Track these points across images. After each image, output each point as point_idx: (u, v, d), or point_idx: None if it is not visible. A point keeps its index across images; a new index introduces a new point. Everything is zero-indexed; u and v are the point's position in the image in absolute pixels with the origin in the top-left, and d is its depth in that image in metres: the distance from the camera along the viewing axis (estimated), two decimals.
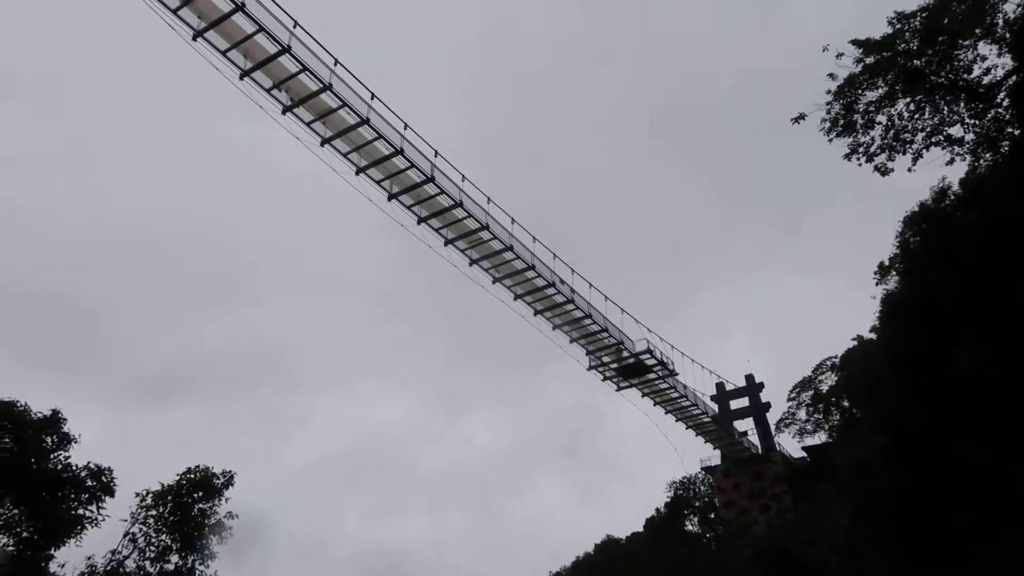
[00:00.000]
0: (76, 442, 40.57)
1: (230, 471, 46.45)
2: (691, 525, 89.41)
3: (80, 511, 39.46)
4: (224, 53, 36.46)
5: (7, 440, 37.81)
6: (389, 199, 45.57)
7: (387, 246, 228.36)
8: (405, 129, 42.52)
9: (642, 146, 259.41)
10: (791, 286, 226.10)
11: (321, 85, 37.92)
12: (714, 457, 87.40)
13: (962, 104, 30.27)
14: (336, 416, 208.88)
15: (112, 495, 40.22)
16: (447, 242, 49.81)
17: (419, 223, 47.66)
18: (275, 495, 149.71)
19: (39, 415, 39.76)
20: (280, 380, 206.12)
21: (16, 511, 37.75)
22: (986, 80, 29.69)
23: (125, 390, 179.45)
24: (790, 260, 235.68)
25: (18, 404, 39.35)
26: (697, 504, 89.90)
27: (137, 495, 42.59)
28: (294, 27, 36.60)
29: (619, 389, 67.91)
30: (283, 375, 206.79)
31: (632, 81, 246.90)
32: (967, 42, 29.17)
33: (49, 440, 39.66)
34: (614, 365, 65.27)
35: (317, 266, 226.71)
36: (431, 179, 44.35)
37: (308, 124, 40.27)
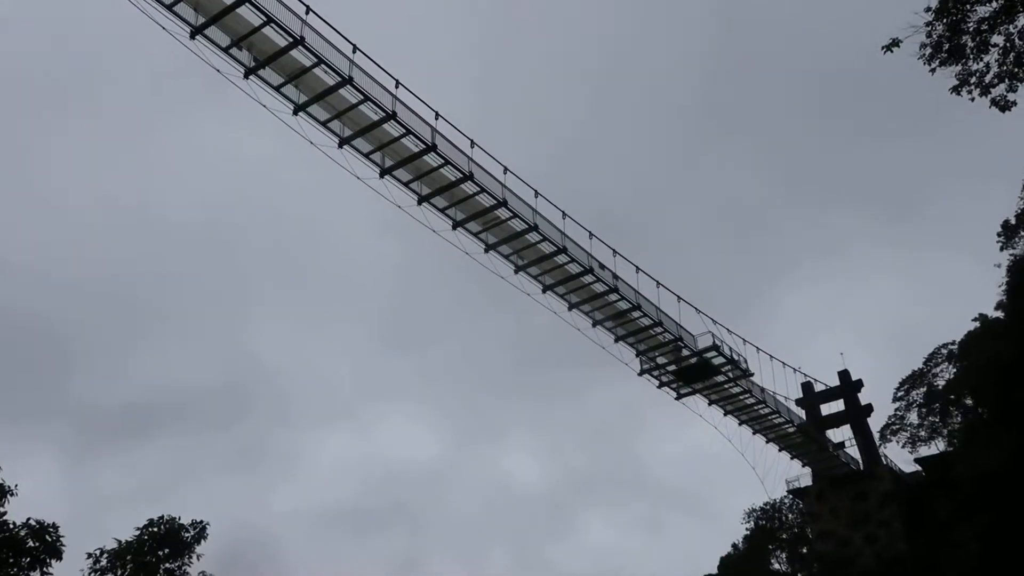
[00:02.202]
0: (12, 494, 40.80)
1: (202, 522, 47.54)
2: (778, 563, 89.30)
3: None
4: (226, 50, 39.12)
5: None
6: (382, 175, 46.48)
7: (388, 247, 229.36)
8: (398, 87, 43.58)
9: (701, 113, 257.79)
10: (892, 265, 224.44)
11: (340, 78, 40.40)
12: (803, 477, 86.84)
13: None
14: (341, 453, 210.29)
15: (59, 557, 40.25)
16: (456, 224, 50.28)
17: (419, 202, 48.46)
18: (265, 549, 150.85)
19: None
20: (270, 411, 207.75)
21: None
22: None
23: (80, 427, 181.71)
24: (890, 235, 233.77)
25: None
26: (784, 536, 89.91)
27: (89, 555, 43.24)
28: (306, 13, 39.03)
29: (679, 397, 67.76)
30: (274, 405, 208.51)
31: (683, 39, 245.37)
32: None
33: None
34: (672, 367, 65.29)
35: (311, 277, 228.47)
36: (467, 175, 45.53)
37: (324, 124, 43.10)
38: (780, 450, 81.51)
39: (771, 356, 74.57)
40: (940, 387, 74.02)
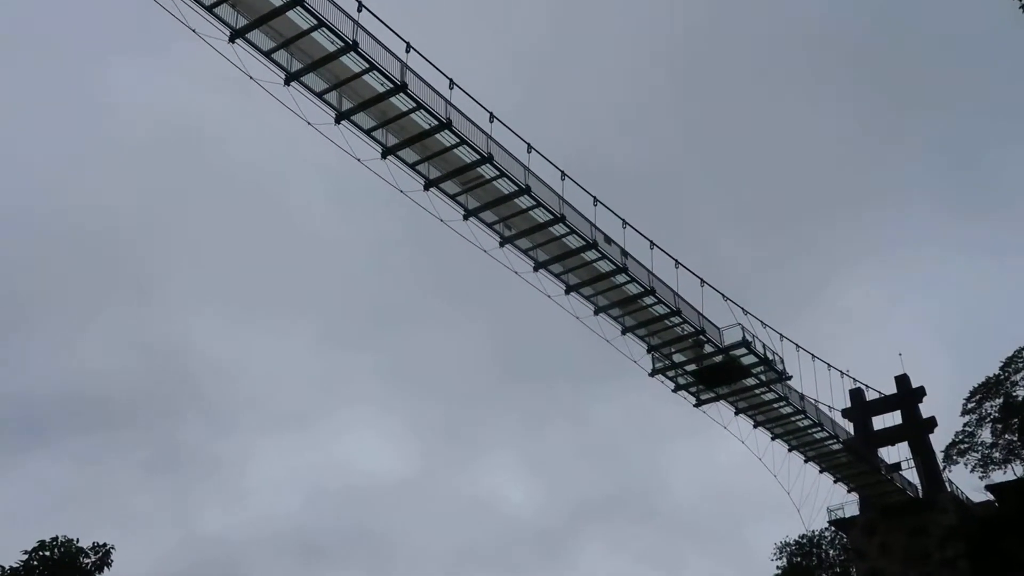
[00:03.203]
0: None
1: (105, 545, 47.28)
2: None
3: None
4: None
5: None
6: (337, 120, 44.83)
7: (354, 226, 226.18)
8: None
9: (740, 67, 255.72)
10: (967, 264, 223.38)
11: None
12: (849, 505, 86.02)
13: None
14: (288, 465, 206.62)
15: None
16: (429, 184, 48.24)
17: (384, 155, 46.94)
18: None
19: None
20: (202, 414, 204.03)
21: None
22: None
23: None
24: (966, 231, 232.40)
25: None
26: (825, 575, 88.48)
27: None
28: None
29: (699, 403, 66.66)
30: (207, 407, 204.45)
31: None
32: None
33: None
34: (692, 367, 63.96)
35: (260, 258, 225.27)
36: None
37: (320, 95, 43.87)
38: (821, 471, 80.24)
39: (814, 356, 73.65)
40: (1020, 398, 72.39)
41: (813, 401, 73.18)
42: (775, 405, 69.38)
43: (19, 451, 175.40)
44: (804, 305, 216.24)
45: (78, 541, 46.35)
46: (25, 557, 45.15)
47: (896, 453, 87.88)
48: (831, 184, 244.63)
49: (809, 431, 73.92)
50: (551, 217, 50.94)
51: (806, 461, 77.84)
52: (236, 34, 40.62)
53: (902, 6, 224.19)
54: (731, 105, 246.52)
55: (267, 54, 41.81)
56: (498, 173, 48.04)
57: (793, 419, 71.83)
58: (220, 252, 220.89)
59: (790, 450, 75.90)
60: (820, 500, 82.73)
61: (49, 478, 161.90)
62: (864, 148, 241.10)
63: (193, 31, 40.00)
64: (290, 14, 40.22)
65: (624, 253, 55.06)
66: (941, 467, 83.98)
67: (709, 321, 61.26)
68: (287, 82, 43.02)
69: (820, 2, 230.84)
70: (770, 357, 64.13)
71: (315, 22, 40.10)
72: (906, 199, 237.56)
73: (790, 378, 67.30)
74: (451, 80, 45.20)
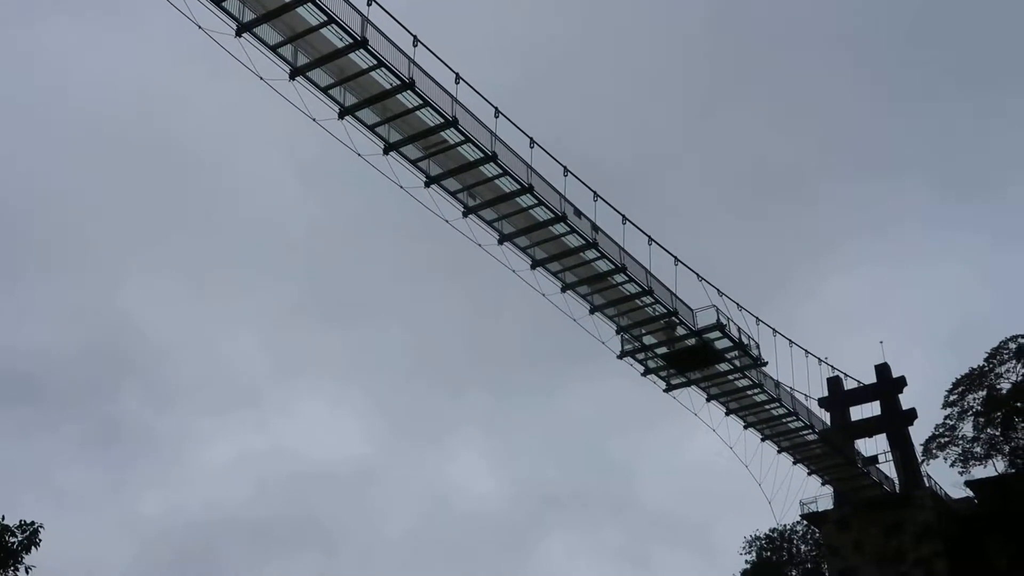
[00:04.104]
0: None
1: (33, 523, 45.12)
2: None
3: None
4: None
5: None
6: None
7: (309, 193, 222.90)
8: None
9: (721, 50, 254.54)
10: (955, 251, 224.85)
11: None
12: (823, 498, 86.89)
13: None
14: (236, 448, 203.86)
15: None
16: (389, 148, 48.32)
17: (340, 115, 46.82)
18: (127, 565, 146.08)
19: None
20: (145, 390, 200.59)
21: None
22: None
23: None
24: (954, 215, 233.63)
25: None
26: (794, 573, 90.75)
27: None
28: None
29: (669, 388, 67.09)
30: (150, 383, 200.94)
31: None
32: None
33: None
34: (663, 350, 64.14)
35: (212, 225, 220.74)
36: None
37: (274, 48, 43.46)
38: (795, 463, 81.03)
39: (791, 342, 73.94)
40: (1004, 391, 73.24)
41: (789, 389, 73.77)
42: (749, 392, 69.97)
43: None
44: (782, 288, 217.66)
45: (3, 519, 43.95)
46: None
47: (874, 445, 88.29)
48: (817, 160, 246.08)
49: (783, 420, 74.53)
50: (519, 187, 50.79)
51: (779, 451, 78.47)
52: (243, 28, 41.28)
53: None
54: (717, 79, 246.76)
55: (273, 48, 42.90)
56: (463, 138, 47.90)
57: (767, 407, 72.47)
58: (170, 223, 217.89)
59: (763, 439, 76.47)
60: (793, 492, 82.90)
61: None
62: (855, 125, 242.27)
63: (200, 27, 40.43)
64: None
65: (595, 228, 55.07)
66: (920, 461, 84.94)
67: (682, 302, 61.41)
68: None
69: None
70: (745, 342, 64.36)
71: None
72: (896, 178, 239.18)
73: (765, 364, 67.82)
74: (415, 37, 45.04)
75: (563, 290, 58.45)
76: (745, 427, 74.35)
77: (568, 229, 54.05)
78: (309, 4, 41.15)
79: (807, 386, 78.92)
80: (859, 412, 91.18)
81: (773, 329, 72.39)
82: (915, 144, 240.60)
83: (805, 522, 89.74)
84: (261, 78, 44.22)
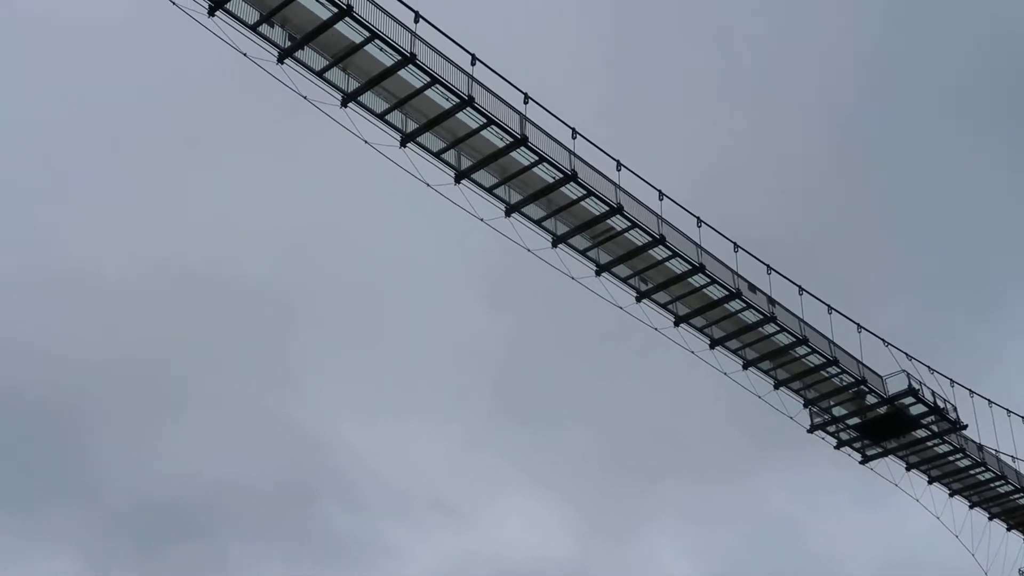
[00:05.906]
0: None
1: None
2: None
3: None
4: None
5: None
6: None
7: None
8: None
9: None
10: None
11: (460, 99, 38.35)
12: None
13: None
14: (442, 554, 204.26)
15: None
16: (558, 241, 48.83)
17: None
18: None
19: None
20: (338, 507, 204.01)
21: None
22: None
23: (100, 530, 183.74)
24: None
25: None
26: None
27: None
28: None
29: (865, 460, 66.02)
30: (343, 500, 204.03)
31: None
32: None
33: None
34: (854, 420, 63.37)
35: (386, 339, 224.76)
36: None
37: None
38: (1009, 529, 77.86)
39: (990, 402, 70.06)
40: None
41: (994, 452, 70.99)
42: (951, 458, 67.93)
43: (142, 552, 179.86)
44: (973, 344, 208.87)
45: None
46: None
47: None
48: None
49: (992, 485, 72.15)
50: (690, 267, 50.86)
51: (991, 518, 75.80)
52: (407, 138, 42.93)
53: None
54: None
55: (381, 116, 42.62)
56: (629, 224, 48.41)
57: (972, 472, 70.26)
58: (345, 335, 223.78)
59: (971, 507, 73.94)
60: (1011, 561, 78.93)
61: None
62: None
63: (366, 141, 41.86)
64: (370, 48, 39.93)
65: (771, 301, 54.91)
66: None
67: (870, 369, 60.47)
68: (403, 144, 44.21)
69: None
70: (941, 405, 62.70)
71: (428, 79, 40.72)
72: None
73: (966, 427, 65.74)
74: (573, 129, 45.89)
75: (745, 367, 58.12)
76: (951, 495, 72.04)
77: (744, 305, 53.77)
78: (469, 109, 42.22)
79: (1013, 447, 74.60)
80: None
81: (969, 390, 69.09)
82: None
83: None
84: (428, 184, 45.38)
